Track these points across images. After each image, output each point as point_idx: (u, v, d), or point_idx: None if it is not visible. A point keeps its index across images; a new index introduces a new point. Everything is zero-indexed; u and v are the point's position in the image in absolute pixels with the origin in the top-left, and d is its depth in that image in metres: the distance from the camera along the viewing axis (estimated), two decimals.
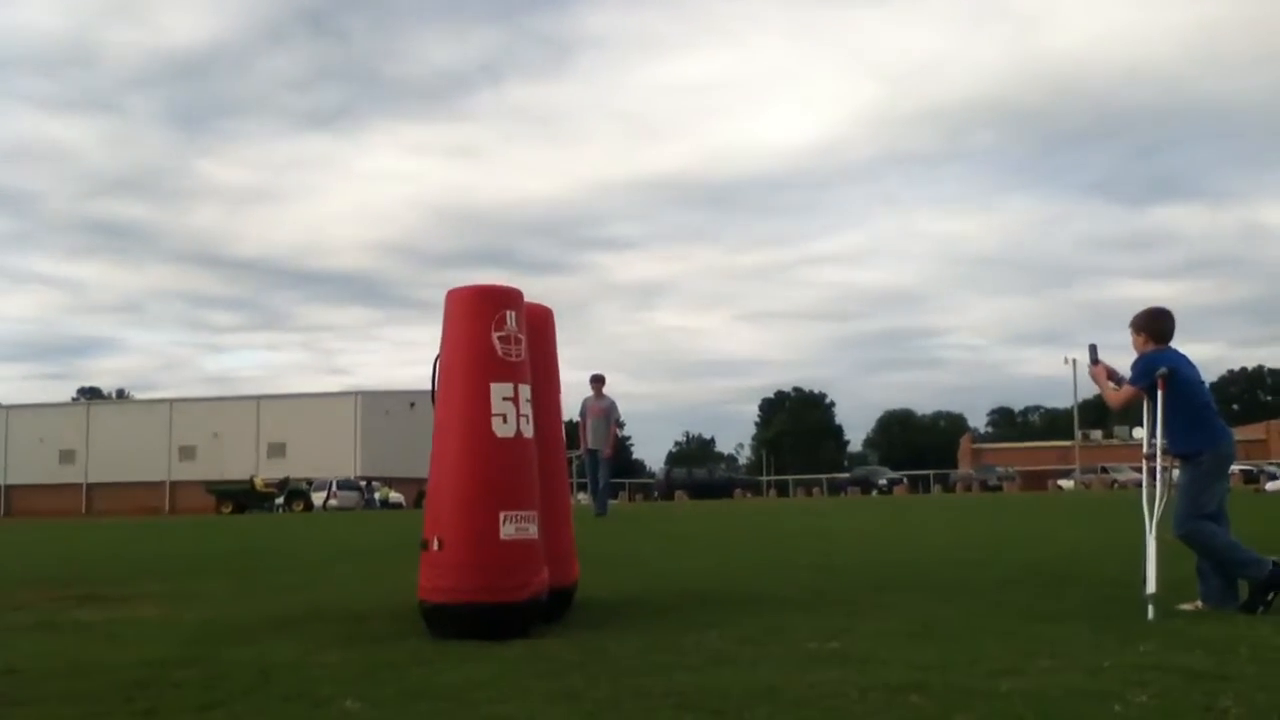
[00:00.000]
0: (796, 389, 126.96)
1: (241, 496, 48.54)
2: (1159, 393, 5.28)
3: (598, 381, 17.21)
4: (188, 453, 72.27)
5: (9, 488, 72.38)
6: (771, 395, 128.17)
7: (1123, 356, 5.62)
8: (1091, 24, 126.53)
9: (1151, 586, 4.98)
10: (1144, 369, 5.36)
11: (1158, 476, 5.29)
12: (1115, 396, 5.53)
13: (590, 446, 16.98)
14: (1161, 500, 5.22)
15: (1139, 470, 5.71)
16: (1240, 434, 62.05)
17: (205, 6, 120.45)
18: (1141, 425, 5.53)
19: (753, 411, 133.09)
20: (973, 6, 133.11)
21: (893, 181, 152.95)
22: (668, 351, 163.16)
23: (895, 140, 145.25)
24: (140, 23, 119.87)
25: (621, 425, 17.86)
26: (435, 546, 4.86)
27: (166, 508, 66.51)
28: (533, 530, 4.94)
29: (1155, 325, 5.44)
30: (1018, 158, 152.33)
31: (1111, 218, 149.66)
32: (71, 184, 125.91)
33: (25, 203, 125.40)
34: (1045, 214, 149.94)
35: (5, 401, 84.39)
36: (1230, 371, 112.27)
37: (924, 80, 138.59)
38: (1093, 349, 5.73)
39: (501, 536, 4.81)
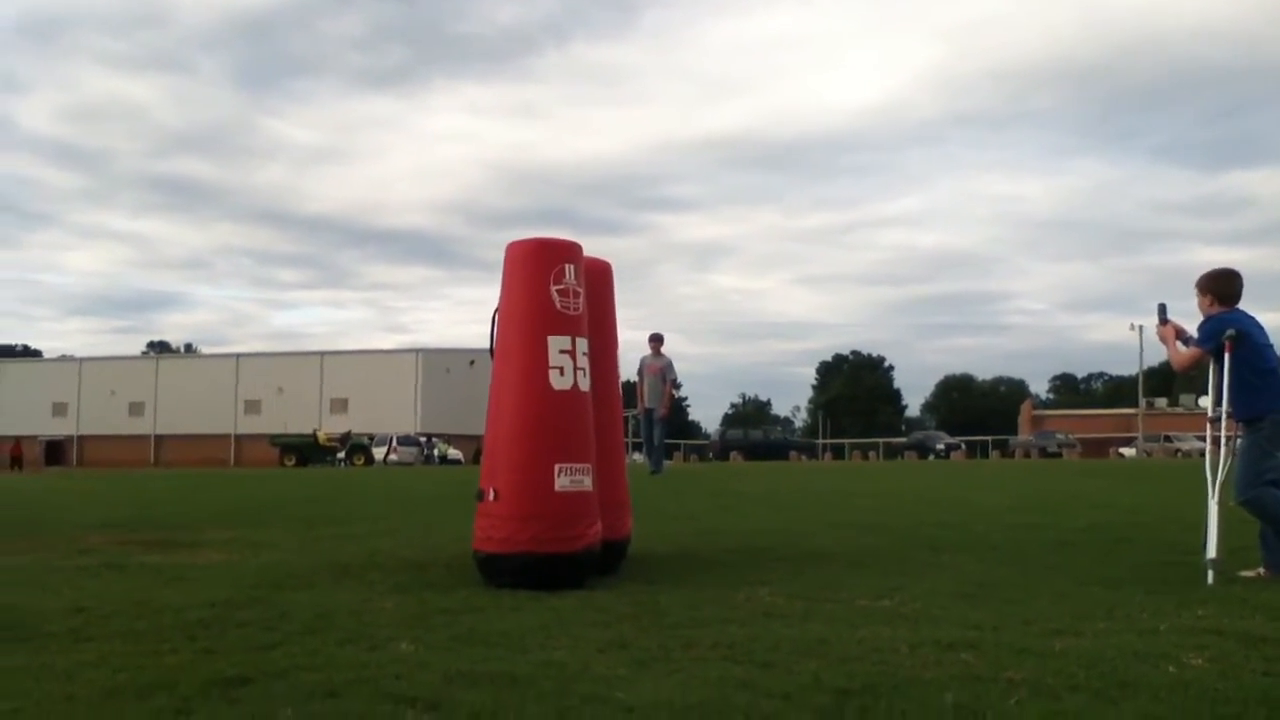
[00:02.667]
0: (854, 352, 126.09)
1: (304, 450, 49.32)
2: (1225, 356, 5.17)
3: (656, 340, 17.04)
4: (253, 406, 73.46)
5: (81, 438, 74.13)
6: (829, 358, 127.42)
7: (1192, 322, 5.51)
8: None
9: (1212, 552, 4.91)
10: (1211, 331, 5.25)
11: (1222, 442, 5.19)
12: (1181, 357, 5.42)
13: (647, 405, 16.91)
14: (1225, 465, 5.13)
15: (1203, 439, 5.60)
16: None
17: None
18: (1207, 393, 5.42)
19: (810, 375, 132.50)
20: None
21: (955, 143, 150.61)
22: (725, 313, 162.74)
23: (958, 101, 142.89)
24: None
25: (678, 386, 17.41)
26: (491, 497, 4.91)
27: (232, 460, 67.80)
28: (587, 483, 4.98)
29: (1222, 287, 5.32)
30: (1083, 119, 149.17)
31: (1181, 181, 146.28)
32: (141, 142, 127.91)
33: (96, 160, 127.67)
34: (1112, 177, 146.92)
35: (78, 354, 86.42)
36: None
37: (988, 39, 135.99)
38: (1162, 308, 5.61)
39: (556, 488, 4.85)
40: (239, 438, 71.60)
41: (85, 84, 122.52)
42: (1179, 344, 5.47)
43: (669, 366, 16.97)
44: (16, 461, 54.39)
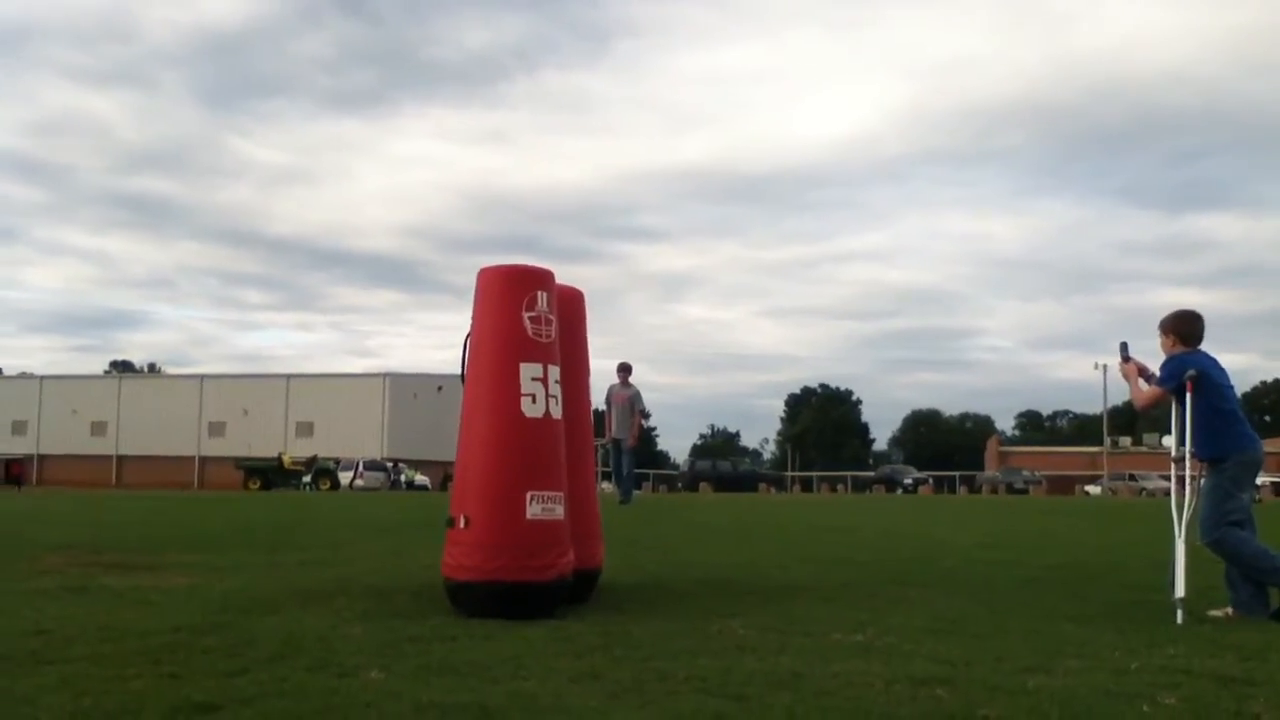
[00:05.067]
0: (823, 385, 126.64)
1: (269, 473, 48.87)
2: (1187, 396, 5.22)
3: (624, 370, 16.97)
4: (217, 429, 72.84)
5: (41, 457, 73.17)
6: (798, 391, 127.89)
7: (1154, 361, 5.57)
8: (1128, 25, 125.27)
9: (1180, 591, 4.94)
10: (1172, 371, 5.30)
11: (1186, 482, 5.23)
12: (1143, 395, 5.47)
13: (615, 435, 16.82)
14: (1190, 505, 5.16)
15: (1168, 479, 5.64)
16: (1271, 446, 61.28)
17: None
18: (1170, 433, 5.46)
19: (778, 407, 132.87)
20: (1008, 5, 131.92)
21: (923, 180, 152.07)
22: (694, 344, 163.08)
23: (926, 138, 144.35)
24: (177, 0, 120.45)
25: (647, 416, 17.39)
26: (461, 524, 4.87)
27: (195, 482, 67.10)
28: (559, 511, 4.95)
29: (1185, 327, 5.38)
30: (1049, 159, 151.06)
31: (1144, 223, 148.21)
32: (104, 157, 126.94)
33: (58, 175, 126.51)
34: (1077, 217, 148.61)
35: (39, 372, 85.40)
36: (1263, 383, 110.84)
37: (957, 78, 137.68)
38: (1123, 346, 5.66)
39: (528, 516, 4.82)
40: (203, 460, 70.93)
41: (48, 97, 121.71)
42: (1141, 382, 5.53)
43: (637, 396, 16.93)
44: (15, 480, 53.48)
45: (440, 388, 68.67)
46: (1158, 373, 5.45)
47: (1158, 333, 5.46)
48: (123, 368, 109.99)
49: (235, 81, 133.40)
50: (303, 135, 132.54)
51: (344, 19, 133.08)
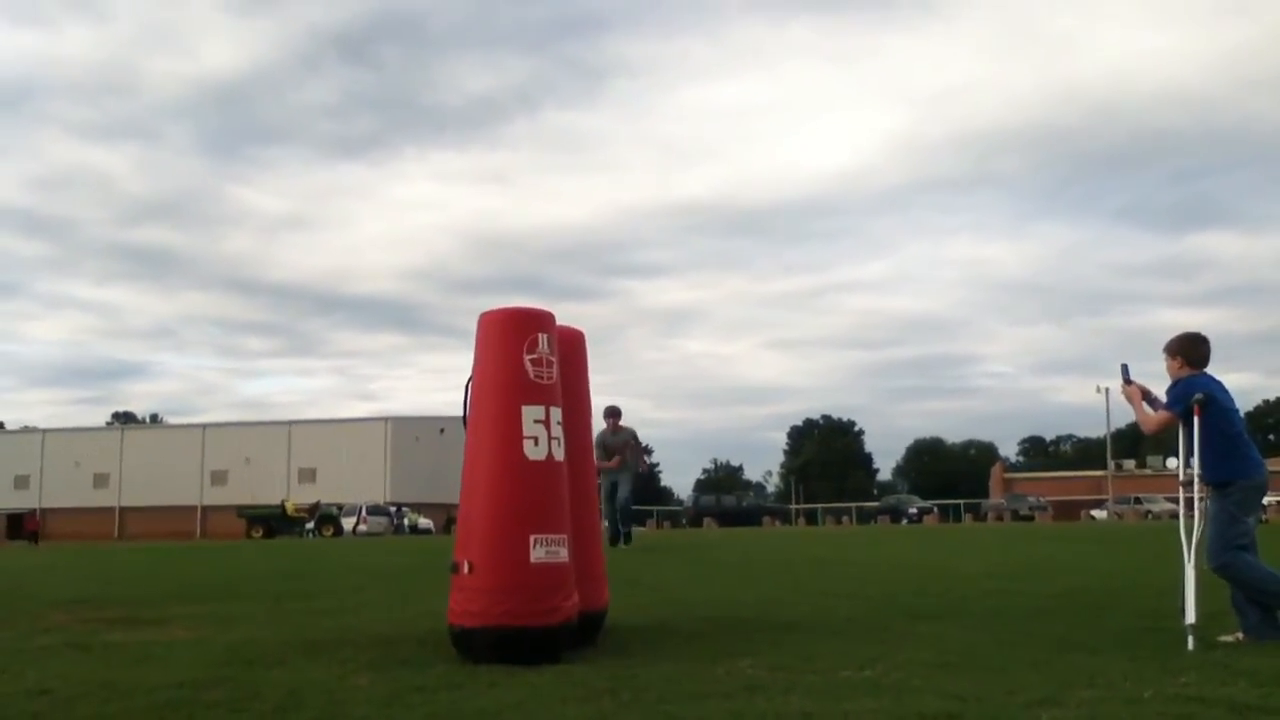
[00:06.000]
0: (825, 417, 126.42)
1: (272, 521, 48.76)
2: (1195, 419, 5.20)
3: (613, 415, 15.24)
4: (219, 477, 72.70)
5: (44, 511, 72.98)
6: (800, 423, 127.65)
7: (1156, 383, 5.56)
8: (1123, 48, 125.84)
9: (1191, 617, 4.91)
10: (1180, 394, 5.29)
11: (1195, 505, 5.21)
12: (1150, 420, 5.45)
13: (613, 479, 15.06)
14: (1199, 529, 5.14)
15: (1173, 501, 5.62)
16: (1276, 465, 60.92)
17: (242, 36, 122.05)
18: (1175, 455, 5.44)
19: (781, 439, 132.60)
20: (1003, 31, 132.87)
21: (923, 207, 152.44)
22: (696, 378, 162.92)
23: (925, 166, 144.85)
24: (178, 52, 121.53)
25: (651, 467, 16.27)
26: (465, 570, 4.85)
27: (198, 532, 66.88)
28: (563, 554, 4.92)
29: (1192, 350, 5.37)
30: (1048, 183, 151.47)
31: (1144, 244, 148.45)
32: (107, 210, 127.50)
33: (62, 229, 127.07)
34: (1076, 240, 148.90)
35: (41, 425, 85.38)
36: (1265, 402, 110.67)
37: (954, 105, 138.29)
38: (1124, 369, 5.65)
39: (532, 560, 4.80)
40: (205, 509, 70.74)
41: (52, 152, 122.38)
42: (1146, 406, 5.51)
43: (634, 438, 15.53)
44: (30, 535, 53.46)
45: (443, 430, 68.57)
46: (1160, 395, 5.44)
47: (1163, 355, 5.45)
48: (125, 419, 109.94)
49: (237, 130, 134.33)
50: (304, 182, 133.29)
51: (345, 66, 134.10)
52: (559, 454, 5.05)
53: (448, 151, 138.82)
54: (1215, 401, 5.22)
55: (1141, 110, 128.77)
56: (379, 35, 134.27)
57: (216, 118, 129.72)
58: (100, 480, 74.93)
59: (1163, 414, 5.39)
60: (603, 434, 14.94)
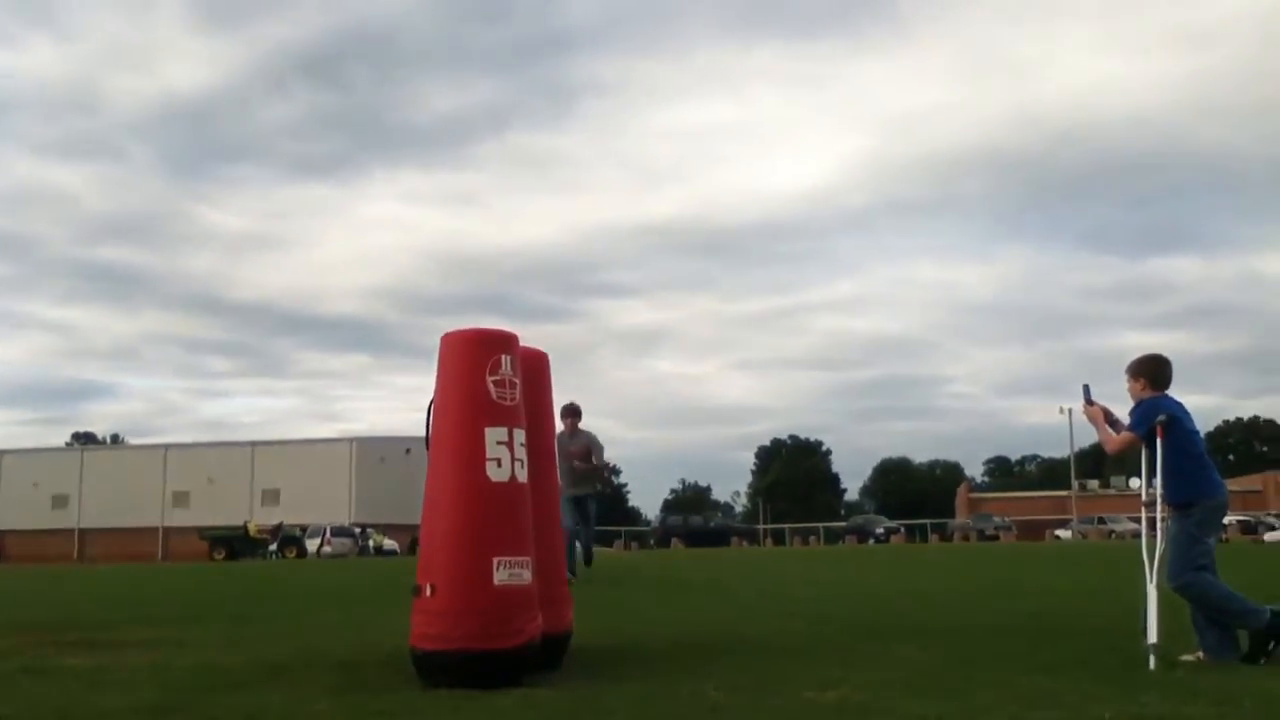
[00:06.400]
0: (793, 437, 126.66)
1: (235, 543, 48.23)
2: (1158, 440, 5.25)
3: (571, 414, 13.00)
4: (181, 498, 71.88)
5: (1, 533, 71.90)
6: (768, 443, 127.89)
7: (1117, 405, 5.60)
8: (1085, 74, 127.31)
9: (1153, 636, 4.93)
10: (1143, 415, 5.33)
11: (1157, 525, 5.25)
12: (1113, 441, 5.50)
13: (570, 493, 12.44)
14: (1160, 549, 5.18)
15: (1136, 521, 5.66)
16: (1236, 485, 61.87)
17: (206, 54, 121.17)
18: (1137, 475, 5.49)
19: (749, 459, 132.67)
20: (966, 56, 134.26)
21: (888, 230, 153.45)
22: (665, 398, 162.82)
23: (890, 189, 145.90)
24: (142, 70, 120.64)
25: (615, 472, 13.75)
26: (427, 593, 4.81)
27: (159, 554, 66.09)
28: (527, 576, 4.89)
29: (1155, 371, 5.42)
30: (1012, 207, 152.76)
31: (1107, 267, 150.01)
32: (69, 229, 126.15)
33: (22, 247, 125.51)
34: (1040, 263, 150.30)
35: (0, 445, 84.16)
36: (1226, 422, 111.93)
37: (919, 129, 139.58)
38: (1086, 389, 5.69)
39: (495, 582, 4.76)
40: (167, 530, 69.91)
41: (13, 170, 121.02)
42: (1107, 427, 5.55)
43: (593, 443, 13.21)
44: None
45: (408, 450, 68.14)
46: (1122, 416, 5.49)
47: (1126, 376, 5.50)
48: (85, 439, 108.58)
49: (201, 149, 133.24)
50: (269, 201, 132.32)
51: (311, 86, 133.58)
52: (522, 475, 5.02)
53: (415, 171, 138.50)
54: (1178, 423, 5.27)
55: (1103, 135, 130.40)
56: (346, 55, 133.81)
57: (180, 136, 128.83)
58: (59, 501, 73.89)
59: (1126, 435, 5.44)
60: (560, 436, 11.87)
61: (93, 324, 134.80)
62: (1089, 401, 5.67)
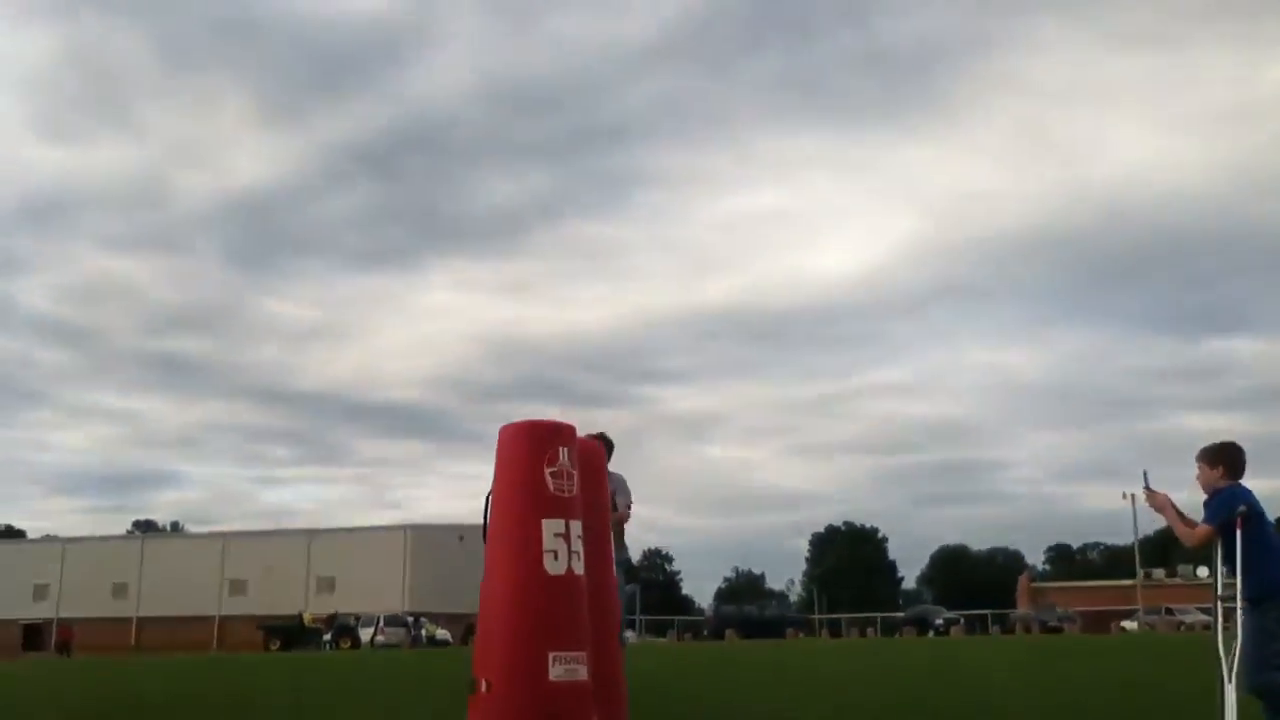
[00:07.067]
0: (848, 523, 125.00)
1: (290, 633, 48.34)
2: (1236, 531, 5.08)
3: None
4: (238, 587, 72.18)
5: (61, 621, 72.48)
6: (823, 530, 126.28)
7: (1179, 490, 5.44)
8: (1135, 153, 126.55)
9: None
10: (1221, 505, 5.16)
11: (1237, 620, 5.06)
12: (1194, 535, 5.30)
13: None
14: (1236, 646, 5.00)
15: (1206, 612, 5.48)
16: None
17: (271, 150, 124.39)
18: (1206, 564, 5.32)
19: (804, 546, 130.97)
20: (1014, 138, 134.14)
21: (941, 313, 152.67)
22: (717, 485, 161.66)
23: (942, 271, 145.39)
24: (208, 165, 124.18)
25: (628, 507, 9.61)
26: (483, 688, 4.75)
27: (214, 643, 66.24)
28: (582, 672, 4.82)
29: (1234, 459, 5.27)
30: (1065, 287, 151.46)
31: (1163, 348, 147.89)
32: (135, 320, 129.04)
33: (90, 338, 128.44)
34: (1096, 344, 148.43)
35: (63, 534, 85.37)
36: None
37: (969, 211, 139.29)
38: (1145, 475, 5.54)
39: (550, 678, 4.70)
40: (224, 619, 70.13)
41: (83, 263, 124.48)
42: (1178, 516, 5.38)
43: (620, 487, 9.59)
44: (63, 647, 53.38)
45: (462, 537, 68.05)
46: (1185, 503, 5.34)
47: (1197, 463, 5.35)
48: (146, 527, 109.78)
49: (264, 242, 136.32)
50: (329, 291, 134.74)
51: (371, 179, 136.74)
52: (579, 568, 4.98)
53: (470, 260, 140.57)
54: (1257, 515, 5.13)
55: (1155, 214, 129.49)
56: (403, 148, 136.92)
57: (244, 230, 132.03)
58: (119, 590, 74.47)
59: (1205, 528, 5.24)
60: None
61: (156, 412, 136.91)
62: (1147, 487, 5.53)
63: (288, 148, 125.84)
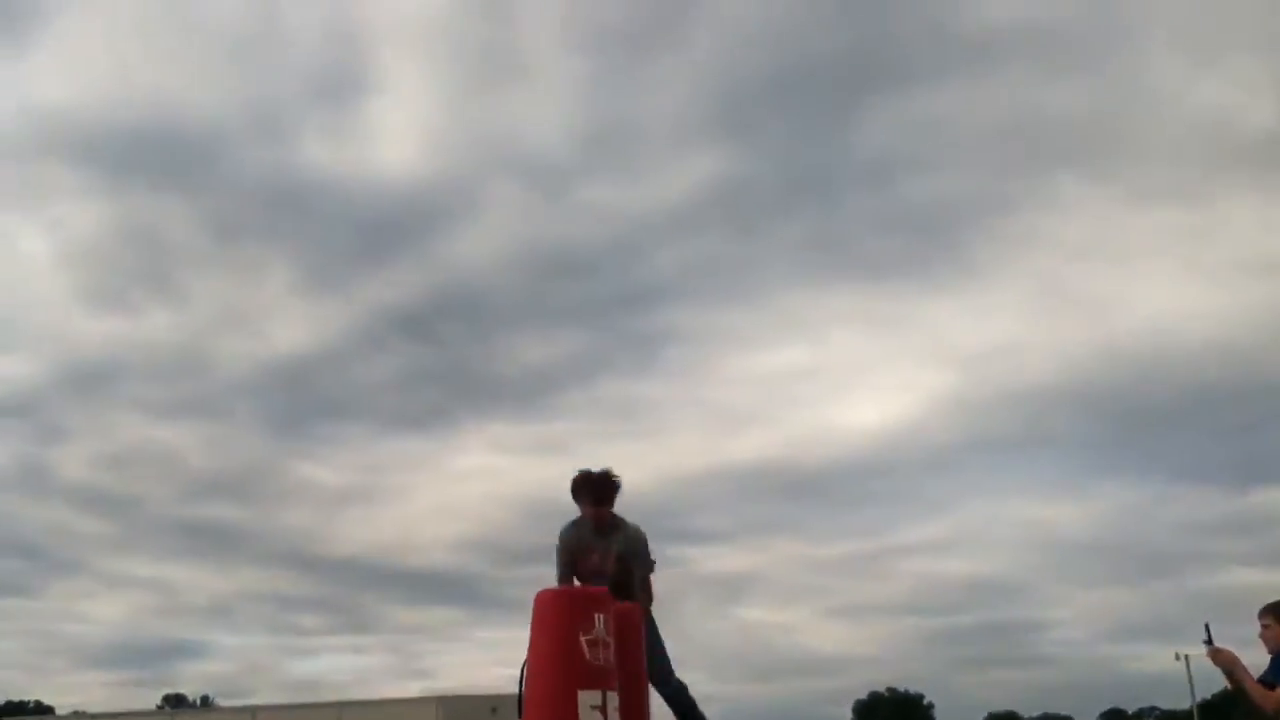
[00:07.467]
0: (891, 689, 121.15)
1: None
2: None
3: (595, 498, 7.79)
4: None
5: None
6: (865, 696, 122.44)
7: (1240, 648, 5.28)
8: (1164, 305, 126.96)
9: None
10: None
11: None
12: (1271, 698, 5.09)
13: None
14: None
15: None
16: None
17: (310, 317, 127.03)
18: None
19: (846, 715, 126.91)
20: (1041, 293, 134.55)
21: (978, 468, 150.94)
22: (754, 649, 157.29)
23: (975, 425, 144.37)
24: (249, 333, 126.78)
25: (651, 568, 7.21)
26: None
27: None
28: None
29: None
30: (1103, 441, 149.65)
31: (1208, 501, 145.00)
32: (172, 487, 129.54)
33: (126, 506, 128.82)
34: (1137, 499, 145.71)
35: (92, 708, 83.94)
36: None
37: (999, 365, 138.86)
38: (1207, 628, 5.34)
39: None
40: None
41: (122, 431, 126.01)
42: (1245, 674, 5.19)
43: (636, 547, 7.33)
44: None
45: (494, 709, 66.55)
46: (1247, 660, 5.16)
47: (1263, 621, 5.19)
48: (176, 701, 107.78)
49: (301, 407, 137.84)
50: (365, 455, 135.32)
51: (408, 343, 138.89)
52: None
53: (504, 422, 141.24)
54: None
55: (1189, 366, 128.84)
56: (440, 313, 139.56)
57: (282, 395, 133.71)
58: None
59: None
60: (573, 535, 7.56)
61: (189, 581, 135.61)
62: (1209, 641, 5.32)
63: (328, 314, 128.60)
